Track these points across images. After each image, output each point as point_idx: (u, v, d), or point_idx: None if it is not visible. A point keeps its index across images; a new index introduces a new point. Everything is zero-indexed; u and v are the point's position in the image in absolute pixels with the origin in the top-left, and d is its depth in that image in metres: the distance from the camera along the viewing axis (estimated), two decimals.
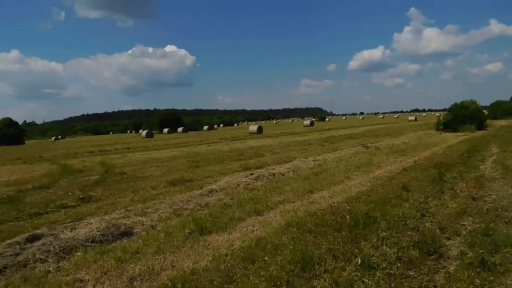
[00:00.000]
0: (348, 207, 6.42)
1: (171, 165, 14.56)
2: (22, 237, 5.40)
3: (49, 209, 7.85)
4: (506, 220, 5.50)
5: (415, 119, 69.40)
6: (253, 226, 5.89)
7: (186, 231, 5.62)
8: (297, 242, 4.78)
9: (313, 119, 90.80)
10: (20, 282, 4.13)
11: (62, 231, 5.76)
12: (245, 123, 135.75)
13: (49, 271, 4.45)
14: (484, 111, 35.42)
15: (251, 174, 10.46)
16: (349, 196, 7.47)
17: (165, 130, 65.02)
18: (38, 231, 5.67)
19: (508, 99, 62.33)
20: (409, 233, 5.04)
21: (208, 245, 5.10)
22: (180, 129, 66.06)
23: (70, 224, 6.21)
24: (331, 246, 4.58)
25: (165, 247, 5.07)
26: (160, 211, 7.04)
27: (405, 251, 4.44)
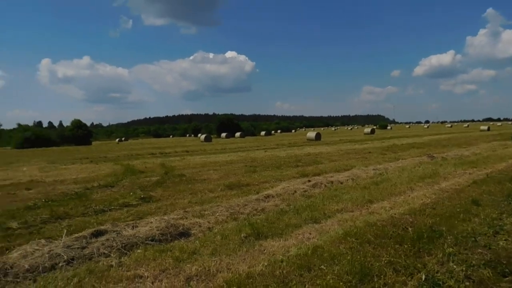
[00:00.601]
0: (411, 219, 6.11)
1: (229, 169, 14.84)
2: (88, 232, 5.74)
3: (112, 207, 8.29)
4: None
5: (488, 129, 64.13)
6: (310, 233, 5.80)
7: (242, 235, 5.67)
8: (355, 253, 4.64)
9: (374, 127, 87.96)
10: (86, 274, 4.38)
11: (124, 228, 6.02)
12: (303, 129, 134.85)
13: (111, 266, 4.66)
14: None
15: (309, 181, 10.35)
16: (412, 208, 7.10)
17: (223, 134, 66.68)
18: (102, 227, 5.99)
19: None
20: (479, 250, 4.67)
21: (264, 250, 5.10)
22: (237, 134, 67.29)
23: (132, 222, 6.50)
24: (392, 259, 4.39)
25: (221, 249, 5.14)
26: (217, 214, 7.17)
27: (475, 269, 4.12)
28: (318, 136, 43.74)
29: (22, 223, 6.99)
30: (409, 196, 8.38)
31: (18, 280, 4.33)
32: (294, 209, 7.40)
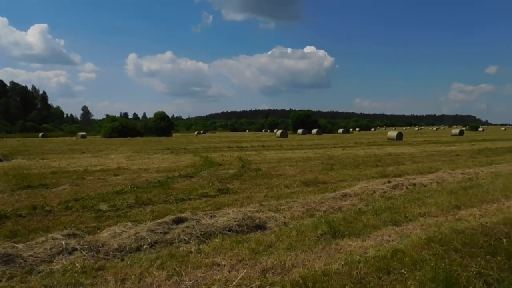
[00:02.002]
0: (506, 230, 5.59)
1: (305, 166, 14.82)
2: (170, 218, 6.08)
3: (192, 196, 8.68)
4: None
5: None
6: (389, 236, 5.62)
7: (318, 232, 5.65)
8: (440, 260, 4.40)
9: (463, 128, 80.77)
10: (168, 257, 4.66)
11: (203, 217, 6.29)
12: (383, 128, 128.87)
13: (190, 252, 4.89)
14: None
15: (389, 182, 9.96)
16: (507, 217, 6.46)
17: (300, 130, 66.34)
18: (182, 215, 6.30)
19: None
20: None
21: (340, 249, 5.05)
22: (314, 131, 66.50)
23: (210, 212, 6.78)
24: (482, 270, 4.08)
25: (297, 245, 5.17)
26: (293, 210, 7.22)
27: None
28: (399, 136, 41.45)
29: (111, 206, 7.63)
30: (504, 204, 7.65)
31: (109, 257, 4.73)
32: (373, 209, 7.20)
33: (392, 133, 43.10)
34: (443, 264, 4.23)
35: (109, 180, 11.52)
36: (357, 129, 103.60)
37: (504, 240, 5.11)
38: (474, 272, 4.04)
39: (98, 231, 5.86)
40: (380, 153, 21.34)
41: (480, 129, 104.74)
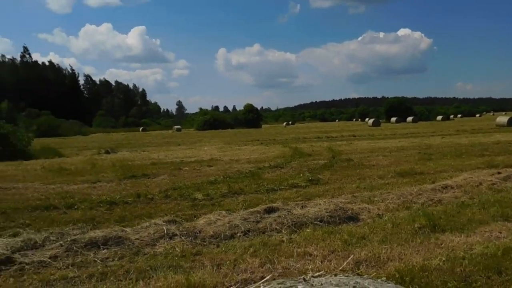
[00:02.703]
0: None
1: (399, 156, 14.09)
2: (261, 208, 6.20)
3: (282, 187, 8.76)
4: None
5: None
6: (499, 232, 5.07)
7: (415, 225, 5.34)
8: None
9: None
10: (260, 245, 4.76)
11: (294, 207, 6.31)
12: (491, 113, 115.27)
13: (282, 241, 4.94)
14: None
15: (498, 173, 8.94)
16: None
17: (393, 119, 62.89)
18: (274, 205, 6.38)
19: None
20: None
21: (441, 244, 4.71)
22: (409, 119, 62.47)
23: (301, 202, 6.77)
24: None
25: (392, 238, 4.96)
26: (387, 201, 6.91)
27: None
28: (511, 122, 36.73)
29: (205, 195, 8.02)
30: None
31: (205, 243, 5.01)
32: (479, 203, 6.55)
33: (502, 118, 38.39)
34: None
35: (203, 170, 12.23)
36: (459, 115, 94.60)
37: None
38: None
39: (195, 218, 6.23)
40: (487, 141, 19.29)
41: None
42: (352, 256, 4.35)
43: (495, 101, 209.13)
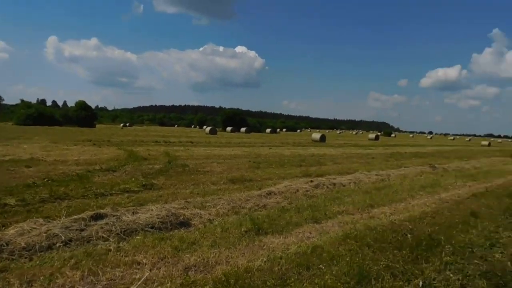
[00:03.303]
0: (410, 227, 6.19)
1: (232, 163, 14.88)
2: (87, 214, 5.70)
3: (113, 191, 8.23)
4: None
5: (489, 145, 64.80)
6: (310, 233, 5.87)
7: (242, 229, 5.72)
8: (354, 255, 4.72)
9: (379, 133, 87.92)
10: (83, 256, 4.37)
11: (124, 213, 6.00)
12: (308, 130, 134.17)
13: (109, 250, 4.65)
14: None
15: (311, 181, 10.41)
16: (412, 215, 7.18)
17: (229, 128, 66.63)
18: (102, 211, 5.96)
19: None
20: (476, 261, 4.75)
21: (263, 245, 5.16)
22: (243, 129, 67.16)
23: (132, 208, 6.47)
24: (390, 264, 4.47)
25: (221, 242, 5.18)
26: (219, 207, 7.20)
27: (471, 279, 4.20)
28: (323, 138, 43.74)
29: (20, 201, 6.92)
30: (410, 203, 8.45)
31: (14, 257, 4.31)
32: (296, 207, 7.47)
33: (316, 135, 45.27)
34: (357, 259, 4.55)
35: (19, 172, 10.45)
36: (284, 129, 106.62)
37: (409, 235, 5.65)
38: (383, 265, 4.41)
39: (3, 228, 5.28)
40: (305, 153, 22.23)
41: (393, 135, 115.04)
42: (181, 263, 4.36)
43: (312, 119, 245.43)
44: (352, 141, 51.36)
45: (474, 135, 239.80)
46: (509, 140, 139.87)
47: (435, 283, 4.05)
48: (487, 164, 20.87)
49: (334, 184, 10.37)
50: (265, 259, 4.55)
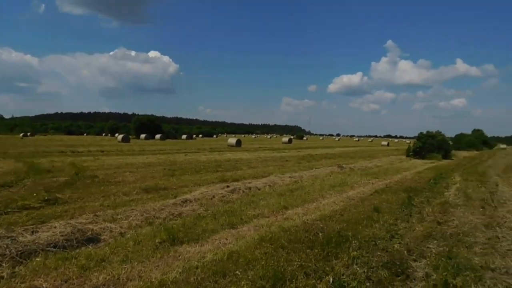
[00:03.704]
0: (321, 225, 6.51)
1: (146, 172, 14.33)
2: None
3: (9, 210, 7.41)
4: (467, 245, 5.78)
5: (388, 145, 72.17)
6: (226, 239, 5.86)
7: (156, 241, 5.52)
8: (270, 258, 4.80)
9: (292, 137, 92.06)
10: None
11: (22, 233, 5.44)
12: (224, 135, 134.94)
13: (2, 277, 4.17)
14: (449, 142, 37.30)
15: (227, 186, 10.44)
16: (323, 214, 7.57)
17: (142, 136, 64.05)
18: None
19: (469, 132, 68.48)
20: (378, 253, 5.15)
21: (179, 256, 5.02)
22: (158, 136, 65.13)
23: (32, 226, 5.89)
24: (303, 263, 4.62)
25: (133, 256, 4.93)
26: (131, 218, 6.88)
27: (375, 271, 4.53)
28: (238, 143, 44.42)
29: None
30: (321, 203, 8.92)
31: None
32: (212, 214, 7.41)
33: (232, 140, 45.80)
34: (272, 262, 4.63)
35: None
36: (200, 135, 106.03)
37: (320, 234, 5.93)
38: (297, 266, 4.55)
39: None
40: (221, 159, 22.30)
41: (305, 138, 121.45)
42: (88, 283, 4.03)
43: (228, 125, 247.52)
44: (267, 145, 52.94)
45: (376, 136, 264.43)
46: (404, 140, 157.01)
47: (344, 278, 4.29)
48: (387, 163, 23.11)
49: (250, 188, 10.53)
50: (180, 270, 4.41)
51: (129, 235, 5.92)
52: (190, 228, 6.31)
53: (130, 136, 57.55)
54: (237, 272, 4.36)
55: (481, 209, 8.61)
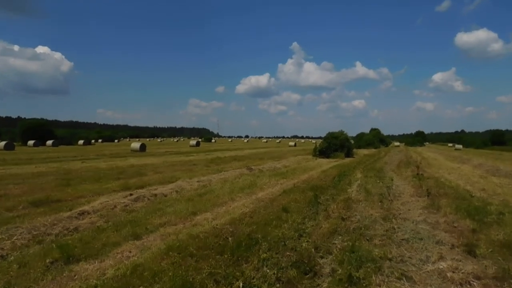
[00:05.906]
0: (231, 229, 6.40)
1: (35, 183, 12.77)
2: None
3: None
4: (368, 238, 6.19)
5: (295, 145, 75.59)
6: (130, 251, 5.43)
7: (47, 261, 4.91)
8: (178, 268, 4.53)
9: (199, 140, 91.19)
10: None
11: None
12: (127, 139, 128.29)
13: None
14: (352, 141, 40.71)
15: (131, 194, 9.78)
16: (233, 217, 7.48)
17: (31, 142, 57.42)
18: None
19: (368, 131, 75.80)
20: (288, 253, 5.21)
21: (75, 275, 4.50)
22: (49, 142, 59.00)
23: None
24: (213, 270, 4.45)
25: (18, 281, 4.32)
26: (15, 238, 6.02)
27: (284, 271, 4.55)
28: (143, 147, 42.56)
29: None
30: (230, 206, 8.84)
31: None
32: (114, 225, 6.85)
33: (136, 144, 43.72)
34: (180, 272, 4.38)
35: None
36: (100, 140, 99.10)
37: (230, 238, 5.82)
38: (207, 273, 4.36)
39: None
40: (123, 165, 21.03)
41: (213, 140, 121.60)
42: None
43: (131, 128, 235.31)
44: (174, 148, 51.70)
45: (283, 137, 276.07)
46: (310, 140, 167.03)
47: (254, 281, 4.23)
48: (294, 163, 24.13)
49: (156, 195, 10.04)
50: None
51: (12, 258, 5.19)
52: (88, 243, 5.73)
53: (15, 143, 51.22)
54: (142, 286, 4.02)
55: (379, 203, 9.36)
